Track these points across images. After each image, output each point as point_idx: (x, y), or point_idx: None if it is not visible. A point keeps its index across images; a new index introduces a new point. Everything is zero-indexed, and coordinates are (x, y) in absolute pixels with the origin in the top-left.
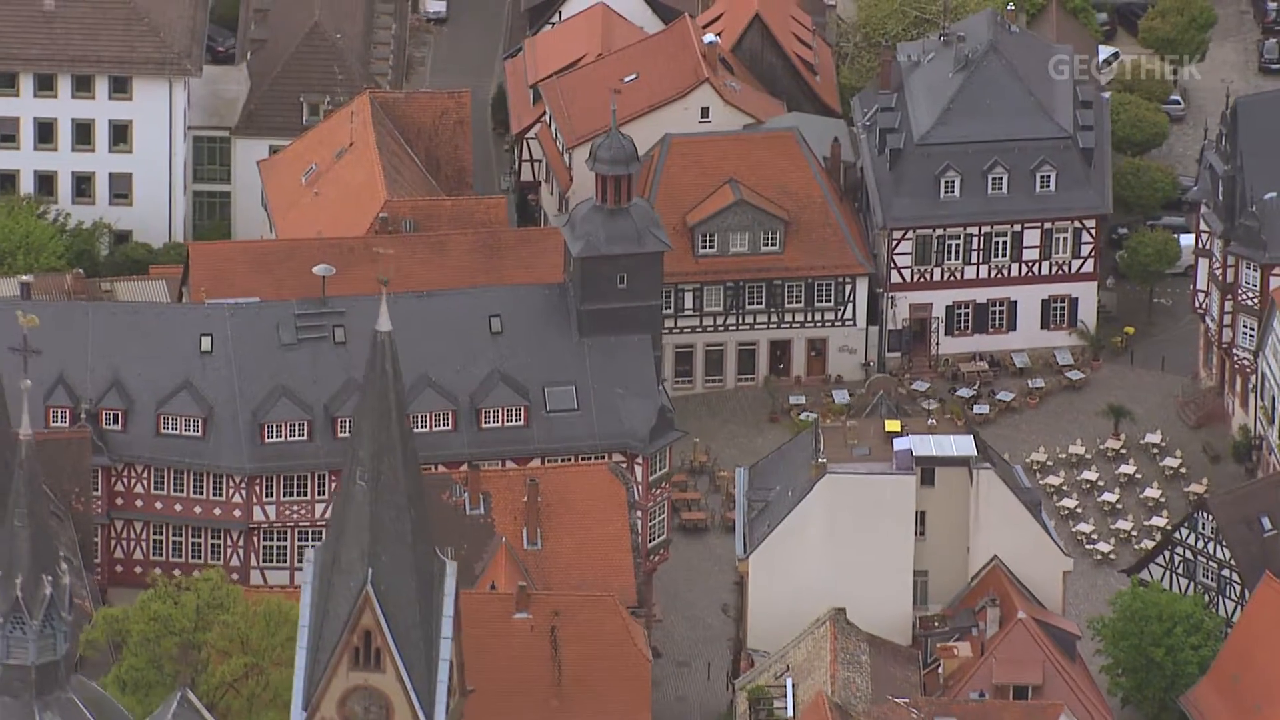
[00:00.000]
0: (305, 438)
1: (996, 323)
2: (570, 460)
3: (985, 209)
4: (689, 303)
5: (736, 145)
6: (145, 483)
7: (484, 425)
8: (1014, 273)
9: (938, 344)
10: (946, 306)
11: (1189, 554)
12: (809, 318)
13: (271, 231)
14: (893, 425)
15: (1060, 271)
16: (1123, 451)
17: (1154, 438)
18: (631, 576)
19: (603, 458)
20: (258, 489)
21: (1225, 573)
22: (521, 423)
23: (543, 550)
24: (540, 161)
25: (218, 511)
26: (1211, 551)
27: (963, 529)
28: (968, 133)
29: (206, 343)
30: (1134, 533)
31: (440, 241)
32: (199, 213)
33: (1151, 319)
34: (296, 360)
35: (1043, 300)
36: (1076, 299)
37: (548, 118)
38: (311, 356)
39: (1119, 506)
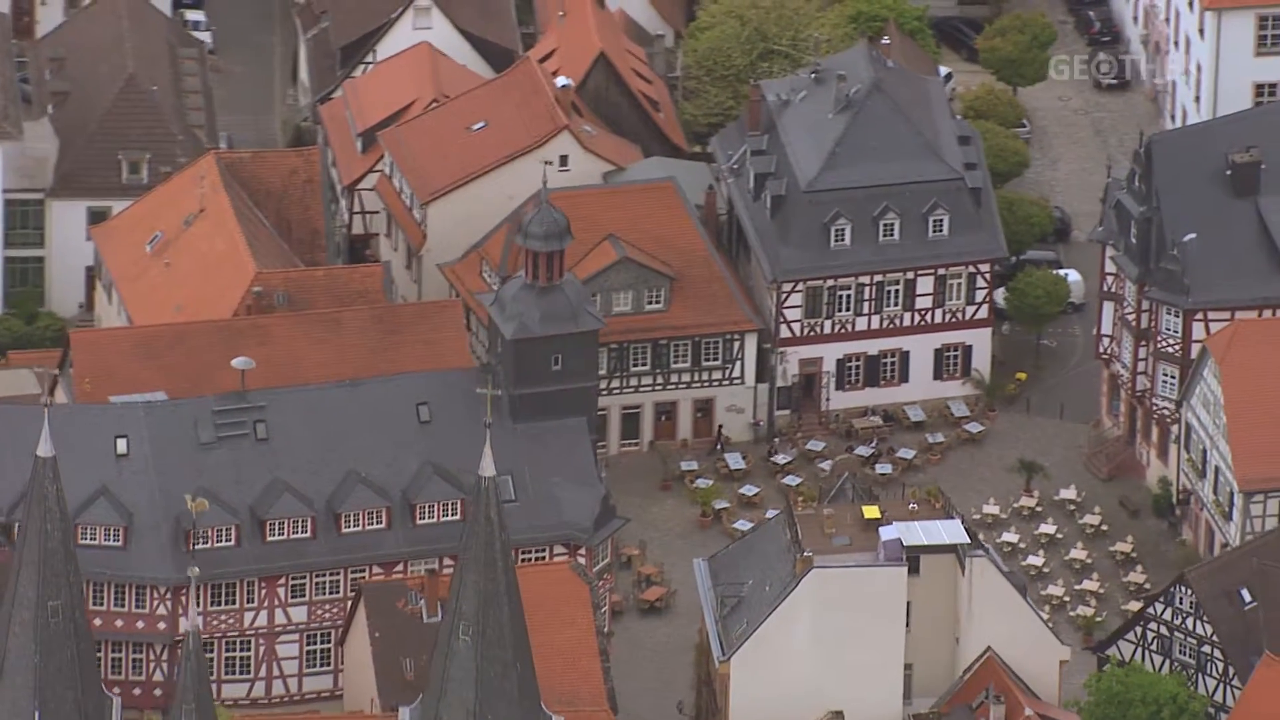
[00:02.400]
0: (232, 543)
1: (888, 375)
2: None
3: (878, 257)
4: None
5: (614, 198)
6: None
7: (419, 521)
8: (906, 322)
9: (828, 399)
10: (837, 360)
11: (1164, 630)
12: (695, 377)
13: (111, 303)
14: (871, 512)
15: (954, 318)
16: (1039, 509)
17: (1068, 493)
18: (601, 684)
19: (544, 551)
20: (183, 599)
21: (1205, 649)
22: (458, 517)
23: None
24: (377, 213)
25: (140, 625)
26: (1190, 627)
27: (950, 619)
28: (856, 177)
29: (122, 445)
30: (1067, 599)
31: (334, 319)
32: (9, 279)
33: (1039, 363)
34: (218, 461)
35: (935, 349)
36: (970, 346)
37: (388, 169)
38: (233, 456)
39: (1046, 571)
